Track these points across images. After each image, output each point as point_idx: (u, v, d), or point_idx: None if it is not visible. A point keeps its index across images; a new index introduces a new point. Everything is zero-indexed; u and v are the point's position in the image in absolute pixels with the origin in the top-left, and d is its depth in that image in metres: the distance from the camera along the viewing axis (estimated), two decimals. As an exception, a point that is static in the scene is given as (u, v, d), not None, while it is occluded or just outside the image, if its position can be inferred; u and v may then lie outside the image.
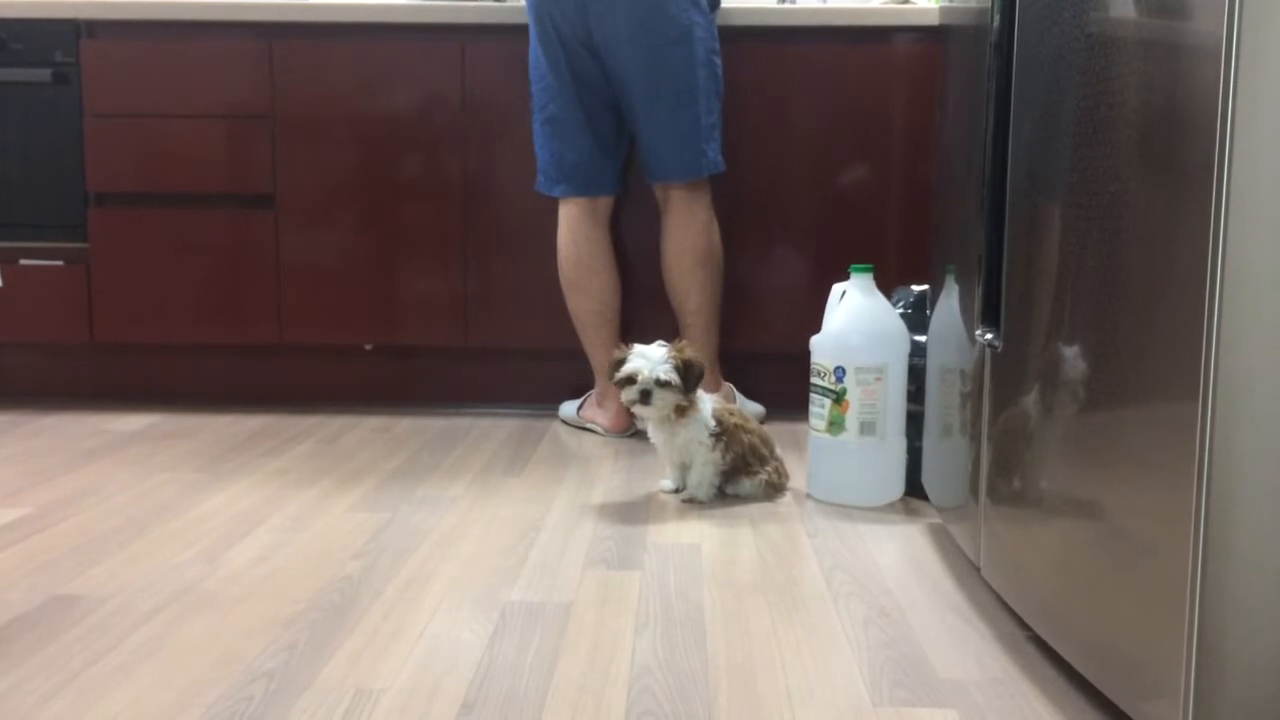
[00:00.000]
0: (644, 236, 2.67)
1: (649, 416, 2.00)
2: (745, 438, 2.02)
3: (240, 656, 1.31)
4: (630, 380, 1.95)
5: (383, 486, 2.08)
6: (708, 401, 2.02)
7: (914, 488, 2.00)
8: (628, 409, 2.00)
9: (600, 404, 2.59)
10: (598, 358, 2.56)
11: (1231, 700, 0.97)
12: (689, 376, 1.96)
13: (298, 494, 2.02)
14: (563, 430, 2.62)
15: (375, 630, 1.40)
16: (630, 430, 2.56)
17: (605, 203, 2.56)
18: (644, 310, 2.66)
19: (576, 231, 2.53)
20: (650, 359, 1.96)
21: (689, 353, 1.99)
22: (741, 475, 2.03)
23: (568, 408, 2.70)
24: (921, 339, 1.99)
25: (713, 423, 1.98)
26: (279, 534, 1.78)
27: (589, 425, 2.62)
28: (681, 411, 1.98)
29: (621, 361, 1.98)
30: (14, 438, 2.46)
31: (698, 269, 2.53)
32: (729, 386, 2.64)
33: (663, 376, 1.94)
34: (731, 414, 2.04)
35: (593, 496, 2.04)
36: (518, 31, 2.66)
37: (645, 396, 1.94)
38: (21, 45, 2.74)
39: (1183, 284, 0.97)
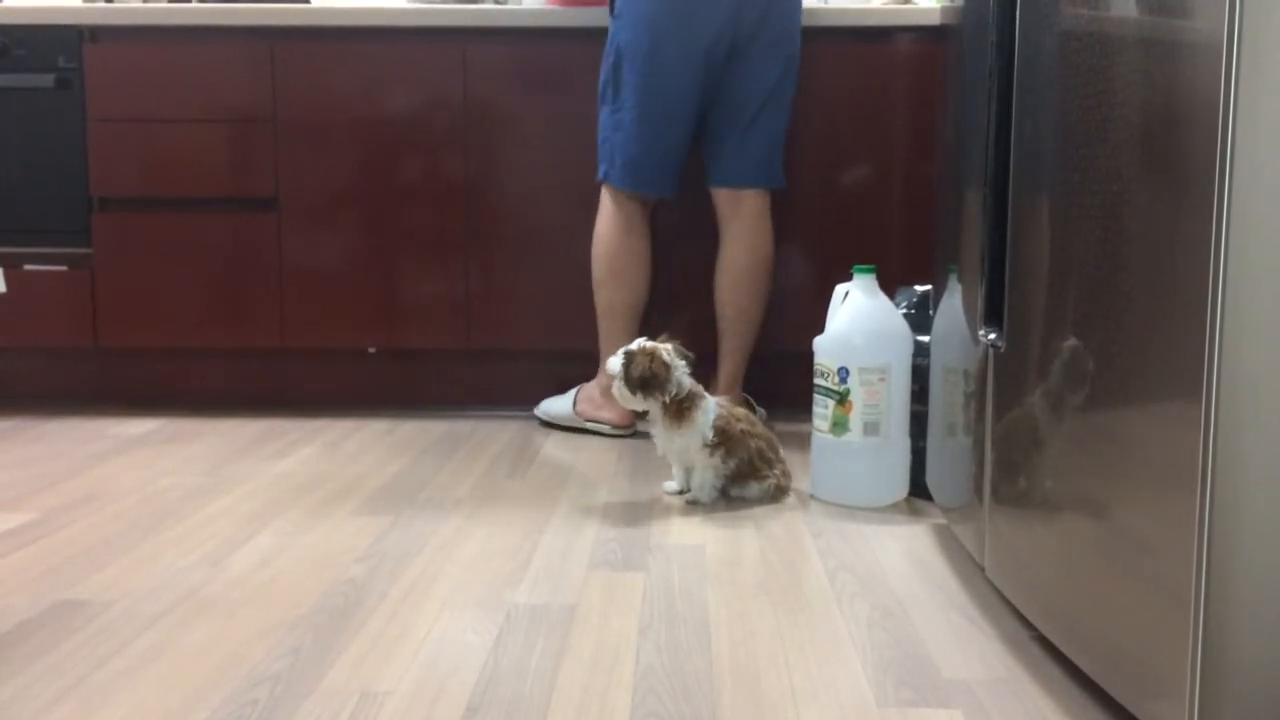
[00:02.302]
0: (658, 238, 2.67)
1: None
2: (752, 443, 2.02)
3: (245, 660, 1.31)
4: None
5: (386, 490, 2.08)
6: (710, 411, 2.01)
7: (918, 488, 2.00)
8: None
9: (607, 400, 2.56)
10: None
11: (1236, 699, 0.96)
12: (628, 375, 1.98)
13: (301, 498, 2.03)
14: (566, 432, 2.62)
15: (379, 633, 1.40)
16: (634, 426, 2.56)
17: (655, 201, 2.58)
18: (648, 313, 2.64)
19: (632, 225, 2.51)
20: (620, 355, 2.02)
21: (644, 353, 1.99)
22: (750, 479, 2.02)
23: (554, 405, 2.68)
24: (925, 339, 1.98)
25: (710, 433, 1.98)
26: (283, 538, 1.79)
27: (590, 425, 2.60)
28: (680, 416, 1.98)
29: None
30: (18, 442, 2.47)
31: (764, 278, 2.54)
32: (743, 395, 2.62)
33: (613, 369, 2.00)
34: (738, 420, 2.03)
35: (596, 498, 2.04)
36: (519, 34, 2.66)
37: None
38: (25, 51, 2.75)
39: (1185, 283, 0.97)
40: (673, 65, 2.42)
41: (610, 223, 2.53)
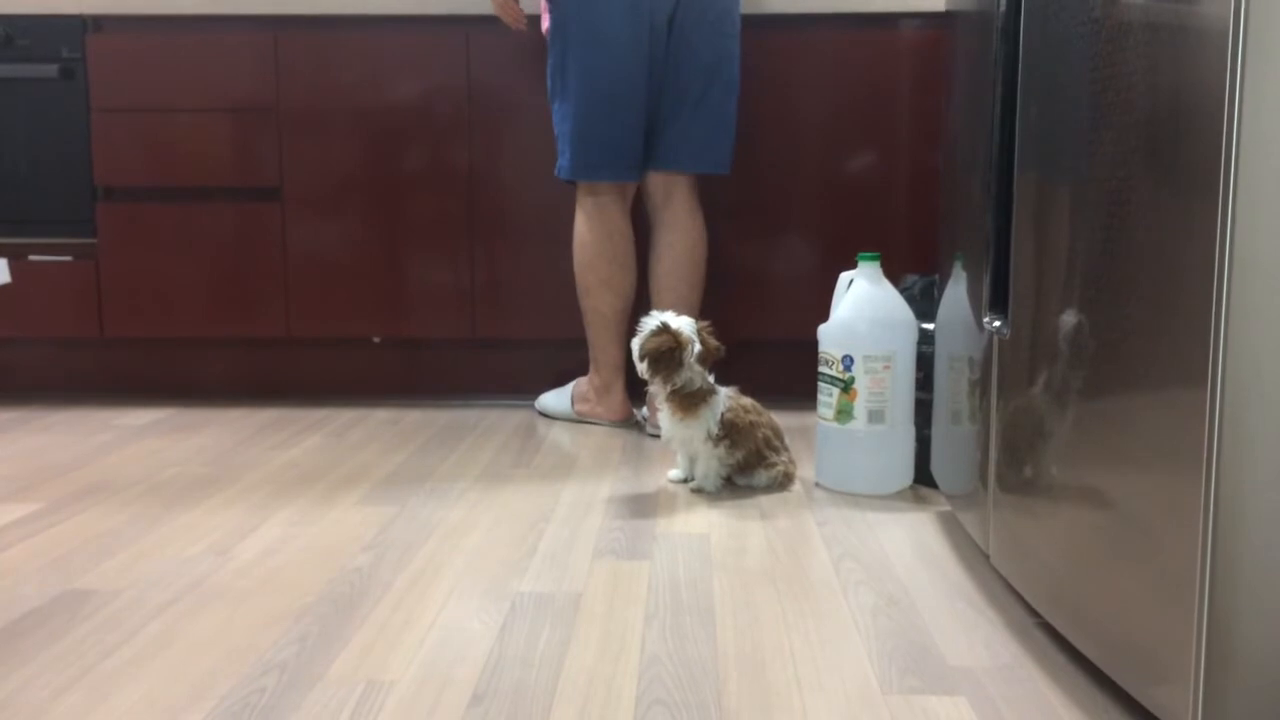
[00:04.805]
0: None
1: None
2: (760, 433, 2.01)
3: (252, 649, 1.32)
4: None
5: (391, 479, 2.09)
6: (719, 406, 1.99)
7: (923, 476, 2.00)
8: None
9: (600, 398, 2.57)
10: (612, 354, 2.53)
11: (1241, 686, 0.96)
12: (643, 341, 1.96)
13: (307, 487, 2.03)
14: (570, 421, 2.62)
15: (385, 622, 1.40)
16: (633, 419, 2.56)
17: (632, 190, 2.53)
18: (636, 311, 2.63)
19: (611, 225, 2.46)
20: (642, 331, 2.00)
21: (671, 335, 1.95)
22: (758, 468, 2.02)
23: (552, 400, 2.67)
24: (929, 327, 1.98)
25: (714, 426, 1.97)
26: (288, 527, 1.79)
27: (589, 421, 2.60)
28: (686, 409, 1.97)
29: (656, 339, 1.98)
30: (25, 433, 2.48)
31: (701, 265, 2.51)
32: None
33: (643, 325, 1.99)
34: (747, 411, 2.02)
35: (601, 487, 2.05)
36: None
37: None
38: (28, 41, 2.75)
39: (1191, 270, 0.96)
40: (617, 36, 2.36)
41: (586, 226, 2.47)
